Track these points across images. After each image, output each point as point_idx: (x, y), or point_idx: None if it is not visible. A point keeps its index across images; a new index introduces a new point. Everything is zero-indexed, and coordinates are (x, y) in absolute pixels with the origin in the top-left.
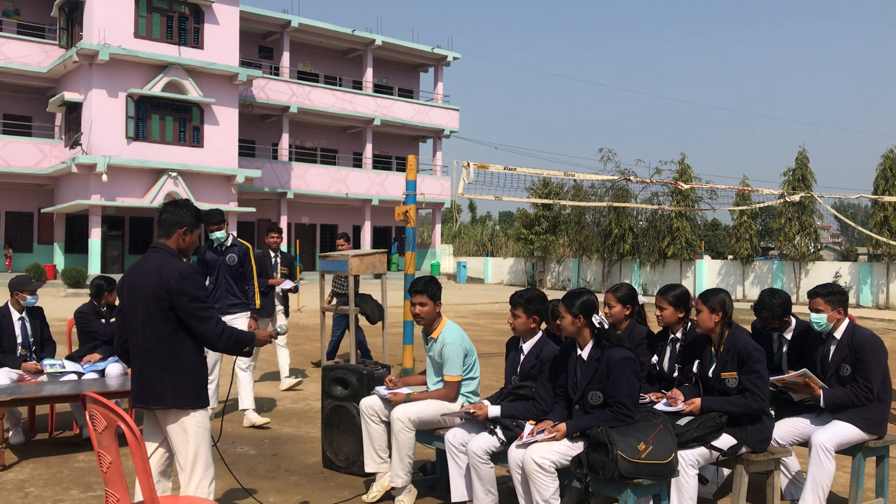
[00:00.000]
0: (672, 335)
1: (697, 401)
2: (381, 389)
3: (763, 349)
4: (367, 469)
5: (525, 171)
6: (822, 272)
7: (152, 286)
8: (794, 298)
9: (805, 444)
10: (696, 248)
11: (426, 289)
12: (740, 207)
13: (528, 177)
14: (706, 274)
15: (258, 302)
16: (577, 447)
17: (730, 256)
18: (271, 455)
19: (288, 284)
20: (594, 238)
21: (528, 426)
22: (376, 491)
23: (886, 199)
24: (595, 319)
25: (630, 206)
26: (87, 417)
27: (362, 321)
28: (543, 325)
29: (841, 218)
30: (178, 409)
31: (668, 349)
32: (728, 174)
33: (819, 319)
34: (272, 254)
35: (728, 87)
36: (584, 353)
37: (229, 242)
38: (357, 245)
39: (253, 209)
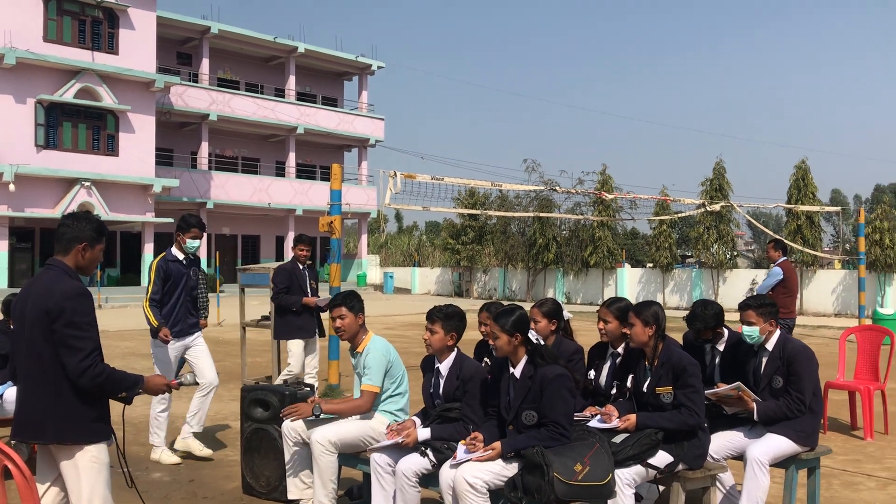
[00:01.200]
0: (612, 350)
1: (633, 417)
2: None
3: (698, 363)
4: (290, 496)
5: (452, 181)
6: (740, 279)
7: (38, 306)
8: None
9: (739, 457)
10: (618, 256)
11: (345, 301)
12: (662, 217)
13: (455, 187)
14: (627, 282)
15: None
16: (512, 468)
17: (649, 265)
18: (187, 481)
19: (322, 302)
20: (519, 248)
21: (461, 446)
22: None
23: (802, 208)
24: (532, 336)
25: (555, 217)
26: None
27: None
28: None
29: (760, 227)
30: (63, 445)
31: (608, 364)
32: (648, 185)
33: (751, 332)
34: (301, 267)
35: (648, 99)
36: (517, 372)
37: (192, 255)
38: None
39: (171, 220)
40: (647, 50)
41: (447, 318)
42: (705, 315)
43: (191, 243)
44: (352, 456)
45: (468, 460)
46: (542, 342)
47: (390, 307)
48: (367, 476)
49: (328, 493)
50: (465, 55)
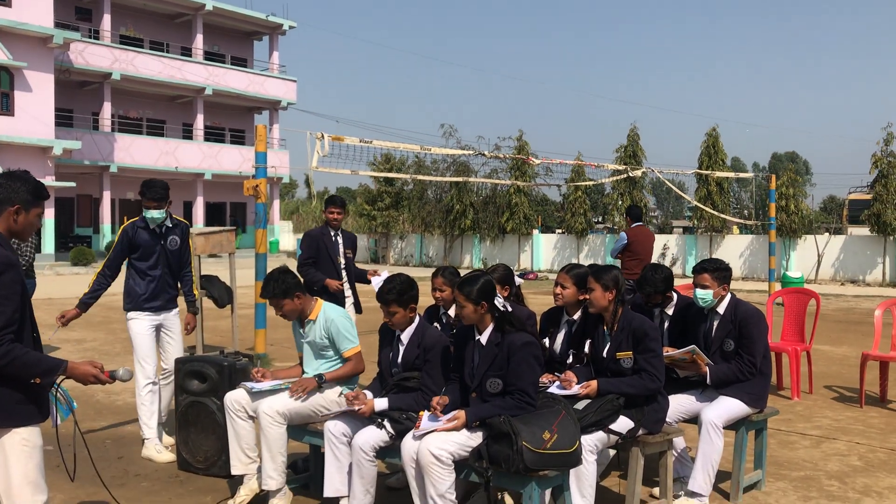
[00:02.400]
0: (567, 317)
1: (594, 383)
2: (248, 384)
3: (657, 327)
4: (234, 471)
5: (381, 144)
6: None
7: None
8: None
9: (690, 420)
10: (533, 222)
11: (275, 293)
12: (584, 182)
13: (371, 153)
14: (542, 247)
15: (197, 292)
16: (476, 437)
17: (558, 231)
18: (116, 458)
19: (380, 276)
20: (436, 214)
21: (425, 415)
22: (244, 494)
23: (719, 174)
24: (498, 303)
25: (474, 181)
26: None
27: (209, 304)
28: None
29: (680, 193)
30: None
31: (563, 332)
32: (563, 151)
33: (705, 295)
34: (332, 233)
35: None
36: (483, 338)
37: (169, 223)
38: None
39: (73, 184)
40: (563, 15)
41: (400, 295)
42: (655, 279)
43: (151, 214)
44: (298, 428)
45: (432, 430)
46: (509, 308)
47: None
48: (314, 448)
49: (277, 466)
50: (380, 16)
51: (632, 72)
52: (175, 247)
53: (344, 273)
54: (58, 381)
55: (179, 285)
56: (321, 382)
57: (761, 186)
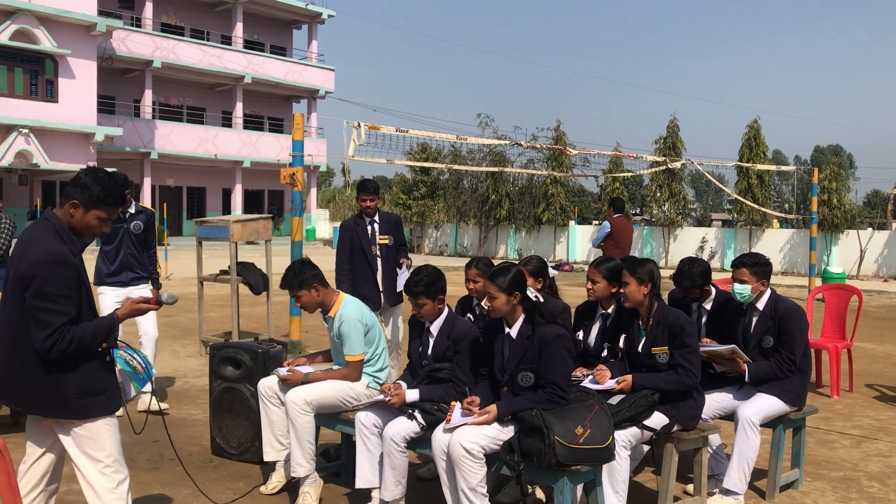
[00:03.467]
0: (602, 310)
1: (629, 378)
2: (281, 370)
3: (694, 322)
4: (267, 458)
5: (417, 133)
6: (690, 237)
7: (15, 267)
8: (661, 263)
9: (726, 417)
10: (570, 213)
11: (292, 285)
12: (623, 174)
13: (407, 142)
14: (579, 239)
15: (160, 269)
16: (508, 431)
17: (595, 222)
18: (151, 442)
19: (402, 277)
20: (471, 204)
21: (456, 407)
22: (276, 481)
23: (760, 167)
24: (530, 293)
25: (521, 172)
26: None
27: (245, 291)
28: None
29: (719, 185)
30: (56, 418)
31: (597, 325)
32: (601, 141)
33: (743, 290)
34: (366, 220)
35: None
36: (513, 331)
37: (133, 209)
38: (228, 210)
39: (114, 170)
40: (602, 3)
41: (429, 287)
42: (693, 273)
43: None
44: (331, 417)
45: (463, 424)
46: (542, 300)
47: None
48: (346, 437)
49: (305, 453)
50: (418, 5)
51: (672, 61)
52: (138, 231)
53: (380, 262)
54: (118, 334)
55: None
56: (305, 381)
57: (803, 180)
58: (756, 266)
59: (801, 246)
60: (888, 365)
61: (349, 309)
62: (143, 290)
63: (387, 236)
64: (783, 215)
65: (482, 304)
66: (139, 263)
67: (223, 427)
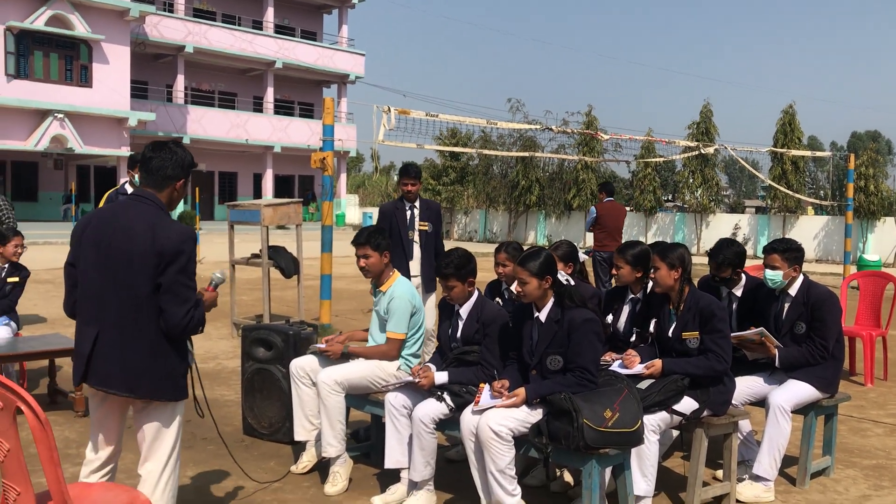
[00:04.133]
0: (632, 295)
1: (659, 363)
2: (319, 345)
3: (726, 307)
4: (298, 437)
5: (447, 118)
6: (722, 224)
7: (143, 246)
8: (693, 250)
9: (757, 403)
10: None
11: (370, 240)
12: (655, 159)
13: (437, 127)
14: None
15: None
16: (536, 414)
17: (627, 208)
18: (185, 422)
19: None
20: (501, 189)
21: (485, 389)
22: (307, 461)
23: (794, 152)
24: (561, 277)
25: (551, 157)
26: None
27: (276, 274)
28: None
29: (753, 171)
30: (153, 401)
31: (626, 309)
32: (633, 126)
33: (774, 276)
34: (406, 205)
35: (633, 39)
36: (542, 315)
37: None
38: (258, 195)
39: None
40: None
41: (459, 269)
42: (728, 251)
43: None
44: (361, 398)
45: (491, 407)
46: (572, 283)
47: None
48: (376, 418)
49: (336, 433)
50: None
51: (705, 46)
52: None
53: (417, 248)
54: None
55: None
56: (346, 353)
57: (839, 166)
58: (788, 252)
59: (836, 233)
60: None
61: (402, 287)
62: None
63: (427, 223)
64: (817, 202)
65: (511, 288)
66: None
67: (255, 407)
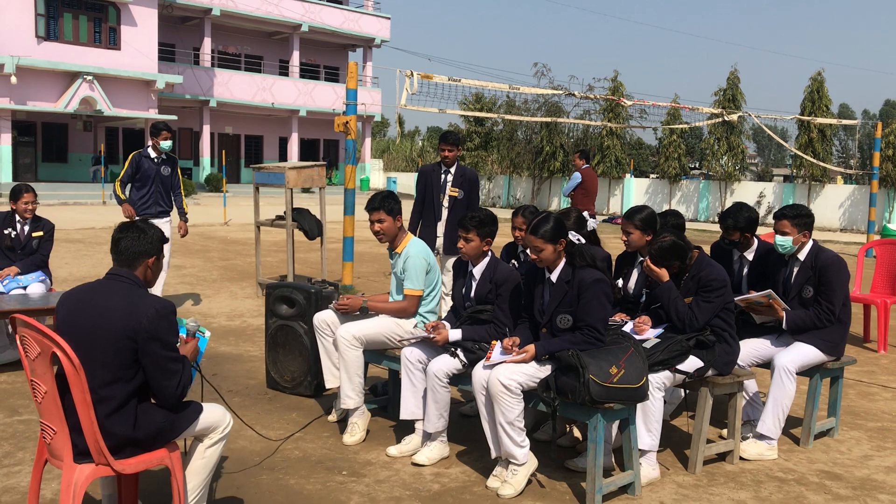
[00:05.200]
0: (641, 258)
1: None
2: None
3: (727, 280)
4: (328, 384)
5: (470, 82)
6: (747, 192)
7: (118, 325)
8: (716, 218)
9: (763, 365)
10: (625, 166)
11: (383, 205)
12: (676, 126)
13: (461, 92)
14: (634, 192)
15: (186, 207)
16: (545, 370)
17: (652, 175)
18: (210, 375)
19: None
20: (525, 155)
21: (496, 346)
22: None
23: (819, 120)
24: (573, 237)
25: (567, 122)
26: (18, 342)
27: (299, 236)
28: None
29: (777, 139)
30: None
31: (636, 272)
32: (659, 93)
33: (784, 242)
34: (442, 168)
35: (660, 5)
36: (553, 276)
37: (164, 156)
38: (284, 158)
39: (174, 117)
40: None
41: (481, 225)
42: (739, 215)
43: (163, 144)
44: (378, 353)
45: (502, 362)
46: (583, 241)
47: None
48: (393, 373)
49: (354, 386)
50: None
51: (733, 11)
52: (167, 173)
53: (445, 211)
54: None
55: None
56: (364, 307)
57: (871, 135)
58: (797, 218)
59: (862, 202)
60: None
61: (416, 247)
62: (165, 224)
63: (457, 189)
64: (843, 170)
65: (527, 251)
66: (163, 200)
67: (277, 362)
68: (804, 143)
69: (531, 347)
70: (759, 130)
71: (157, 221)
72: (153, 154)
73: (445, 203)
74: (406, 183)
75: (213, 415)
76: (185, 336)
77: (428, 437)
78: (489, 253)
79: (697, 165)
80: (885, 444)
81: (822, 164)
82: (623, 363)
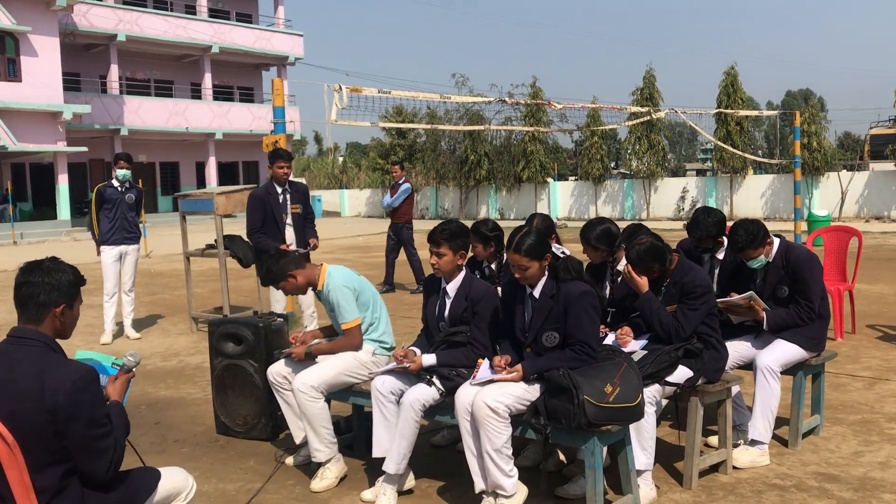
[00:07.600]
0: (612, 272)
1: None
2: (286, 350)
3: (711, 284)
4: (297, 440)
5: (400, 94)
6: (670, 188)
7: (31, 405)
8: (643, 215)
9: (745, 367)
10: (550, 170)
11: (273, 279)
12: (609, 126)
13: (384, 105)
14: (560, 195)
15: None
16: (534, 391)
17: (572, 178)
18: (153, 424)
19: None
20: (450, 165)
21: (483, 363)
22: (304, 455)
23: (742, 112)
24: (557, 250)
25: (500, 130)
26: None
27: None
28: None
29: (705, 135)
30: None
31: (607, 283)
32: (577, 95)
33: (758, 262)
34: (278, 189)
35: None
36: (536, 291)
37: (128, 185)
38: (202, 184)
39: (84, 148)
40: None
41: (452, 238)
42: (707, 223)
43: (119, 173)
44: (343, 390)
45: (489, 380)
46: (568, 253)
47: (323, 231)
48: (357, 408)
49: (322, 439)
50: None
51: (645, 10)
52: (131, 201)
53: (291, 231)
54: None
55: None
56: (308, 355)
57: (775, 125)
58: (756, 239)
59: (783, 191)
60: (885, 305)
61: (334, 277)
62: (134, 251)
63: (298, 205)
64: (767, 160)
65: (490, 265)
66: (129, 227)
67: (227, 405)
68: (723, 136)
69: (519, 367)
70: (670, 127)
71: (126, 248)
72: (115, 183)
73: (289, 220)
74: (331, 200)
75: (174, 480)
76: (121, 372)
77: (389, 479)
78: (464, 268)
79: (615, 165)
80: (871, 437)
81: (745, 154)
82: (617, 380)
